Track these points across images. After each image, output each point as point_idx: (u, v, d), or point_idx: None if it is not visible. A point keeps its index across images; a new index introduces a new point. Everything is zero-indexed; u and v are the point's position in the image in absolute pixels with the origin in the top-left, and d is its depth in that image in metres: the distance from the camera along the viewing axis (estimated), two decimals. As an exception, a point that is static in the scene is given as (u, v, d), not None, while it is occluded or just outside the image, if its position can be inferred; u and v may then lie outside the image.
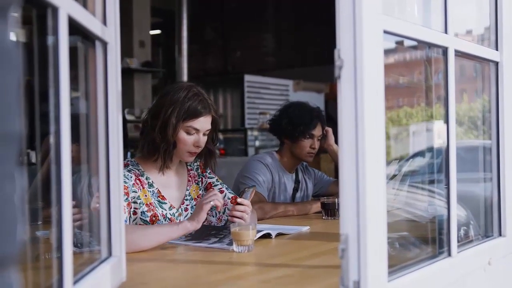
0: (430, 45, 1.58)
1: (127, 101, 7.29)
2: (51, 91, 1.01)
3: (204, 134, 2.25)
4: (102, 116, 1.37)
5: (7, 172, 0.54)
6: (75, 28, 1.11)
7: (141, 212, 2.17)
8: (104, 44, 1.36)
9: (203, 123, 2.23)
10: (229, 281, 1.56)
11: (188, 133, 2.21)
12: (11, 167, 0.55)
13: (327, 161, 6.81)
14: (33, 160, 2.18)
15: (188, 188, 2.38)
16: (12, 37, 0.58)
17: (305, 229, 2.38)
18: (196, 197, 2.39)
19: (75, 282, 1.10)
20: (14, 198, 0.55)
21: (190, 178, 2.40)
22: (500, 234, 1.83)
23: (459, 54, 1.59)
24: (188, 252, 1.97)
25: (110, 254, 1.39)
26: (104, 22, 1.36)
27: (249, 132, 7.56)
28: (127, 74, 7.23)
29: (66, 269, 1.02)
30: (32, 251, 1.28)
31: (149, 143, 2.23)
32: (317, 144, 3.05)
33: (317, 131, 3.05)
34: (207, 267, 1.72)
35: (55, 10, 1.00)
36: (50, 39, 1.01)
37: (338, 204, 2.68)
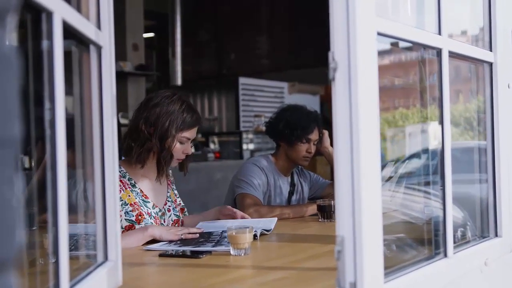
0: (424, 47, 1.59)
1: (121, 105, 7.26)
2: (45, 95, 1.01)
3: (191, 142, 2.38)
4: (97, 121, 1.36)
5: (6, 177, 0.54)
6: (68, 32, 1.11)
7: (125, 212, 2.23)
8: (99, 48, 1.36)
9: (194, 133, 2.37)
10: (226, 284, 1.55)
11: (181, 142, 2.32)
12: (10, 172, 0.55)
13: (322, 163, 6.81)
14: (26, 165, 2.18)
15: (168, 191, 2.48)
16: (11, 42, 0.58)
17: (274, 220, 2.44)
18: (173, 200, 2.49)
19: (72, 287, 1.09)
20: (13, 202, 0.56)
21: (169, 182, 2.51)
22: (496, 235, 1.83)
23: (453, 55, 1.59)
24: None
25: (106, 258, 1.38)
26: (98, 26, 1.36)
27: (244, 135, 7.54)
28: (120, 77, 7.21)
29: (63, 274, 1.01)
30: (28, 256, 1.28)
31: (146, 151, 2.28)
32: (313, 148, 3.04)
33: (314, 136, 3.03)
34: (203, 270, 1.71)
35: (49, 14, 0.99)
36: (44, 43, 1.01)
37: (334, 206, 2.68)
